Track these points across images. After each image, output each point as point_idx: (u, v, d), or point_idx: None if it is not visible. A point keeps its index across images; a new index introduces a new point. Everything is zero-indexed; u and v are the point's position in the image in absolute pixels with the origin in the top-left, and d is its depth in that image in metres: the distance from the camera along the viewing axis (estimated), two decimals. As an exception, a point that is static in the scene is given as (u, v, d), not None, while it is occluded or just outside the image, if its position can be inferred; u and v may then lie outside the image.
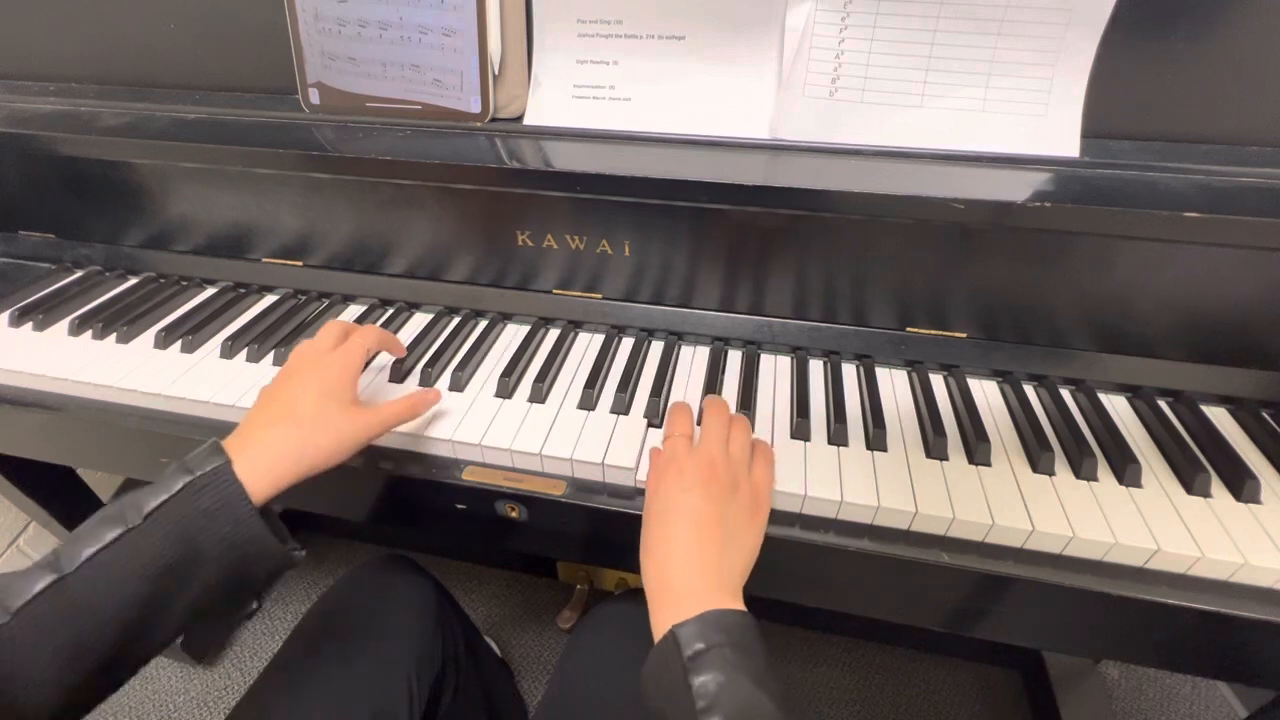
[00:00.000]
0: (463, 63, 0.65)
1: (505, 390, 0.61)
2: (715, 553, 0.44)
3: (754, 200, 0.56)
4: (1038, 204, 0.52)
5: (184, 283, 0.77)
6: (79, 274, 0.79)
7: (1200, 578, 0.47)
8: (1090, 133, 0.57)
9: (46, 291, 0.75)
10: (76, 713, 0.40)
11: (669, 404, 0.59)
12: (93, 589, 0.39)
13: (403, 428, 0.56)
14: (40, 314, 0.70)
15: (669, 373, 0.63)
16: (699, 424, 0.53)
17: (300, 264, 0.74)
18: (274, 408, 0.48)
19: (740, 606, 0.43)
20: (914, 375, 0.62)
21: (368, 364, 0.61)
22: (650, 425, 0.58)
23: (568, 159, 0.62)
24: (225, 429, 0.60)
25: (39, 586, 0.38)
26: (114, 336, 0.68)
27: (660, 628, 0.42)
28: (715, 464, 0.48)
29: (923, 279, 0.59)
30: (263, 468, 0.44)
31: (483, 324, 0.70)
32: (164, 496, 0.41)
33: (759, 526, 0.48)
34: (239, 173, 0.68)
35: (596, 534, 0.57)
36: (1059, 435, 0.56)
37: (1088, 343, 0.60)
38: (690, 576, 0.43)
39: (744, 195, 0.56)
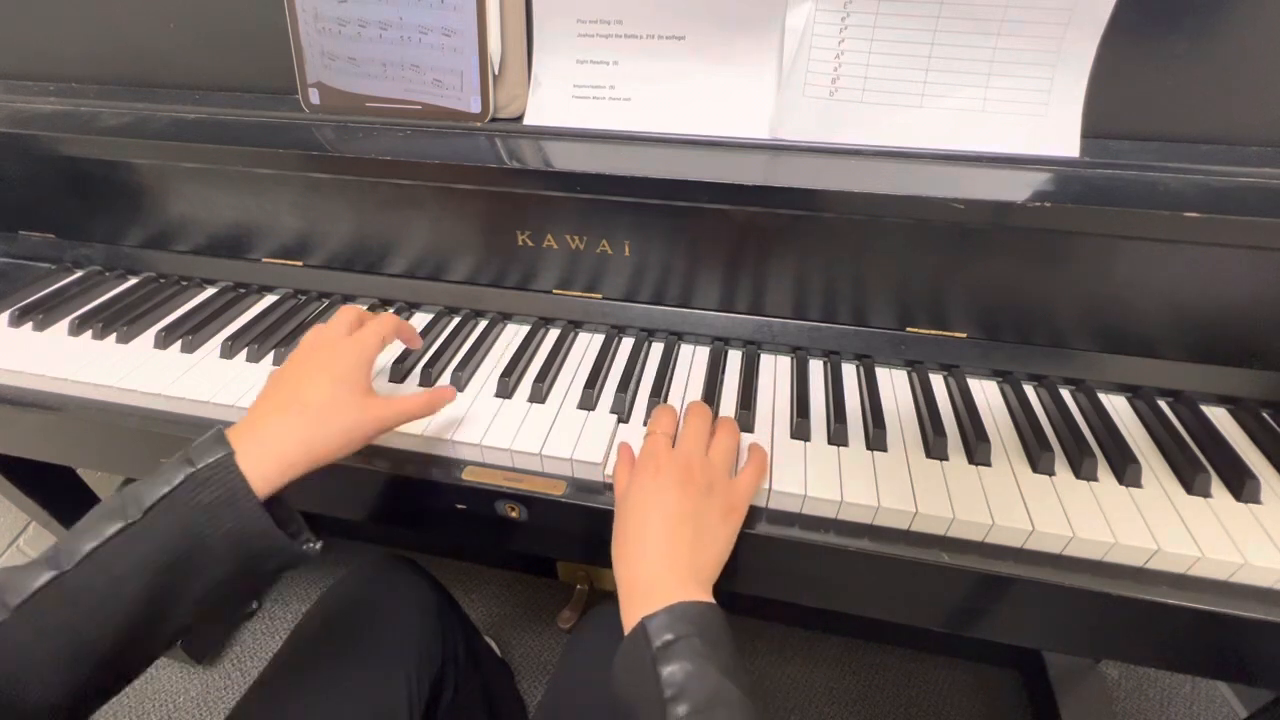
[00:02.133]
0: (463, 63, 0.65)
1: (505, 390, 0.61)
2: (686, 548, 0.45)
3: (754, 200, 0.56)
4: (1038, 204, 0.52)
5: (184, 283, 0.77)
6: (79, 274, 0.79)
7: (1200, 578, 0.47)
8: (1090, 133, 0.57)
9: (46, 291, 0.75)
10: (81, 711, 0.39)
11: (666, 401, 0.59)
12: (93, 585, 0.38)
13: (402, 428, 0.56)
14: (40, 314, 0.70)
15: (669, 373, 0.63)
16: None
17: (300, 264, 0.74)
18: (282, 394, 0.47)
19: (709, 599, 0.43)
20: (914, 375, 0.62)
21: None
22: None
23: (568, 159, 0.62)
24: (225, 429, 0.61)
25: (39, 583, 0.37)
26: (114, 336, 0.68)
27: (630, 620, 0.42)
28: (692, 464, 0.48)
29: (923, 279, 0.59)
30: (269, 458, 0.42)
31: (483, 324, 0.70)
32: (164, 490, 0.40)
33: (733, 527, 0.48)
34: (239, 173, 0.68)
35: (597, 534, 0.57)
36: (1059, 435, 0.56)
37: (1088, 343, 0.60)
38: (661, 570, 0.44)
39: (744, 195, 0.56)
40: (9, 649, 0.36)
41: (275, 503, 0.43)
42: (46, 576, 0.37)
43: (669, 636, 0.40)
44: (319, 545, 0.45)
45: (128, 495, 0.40)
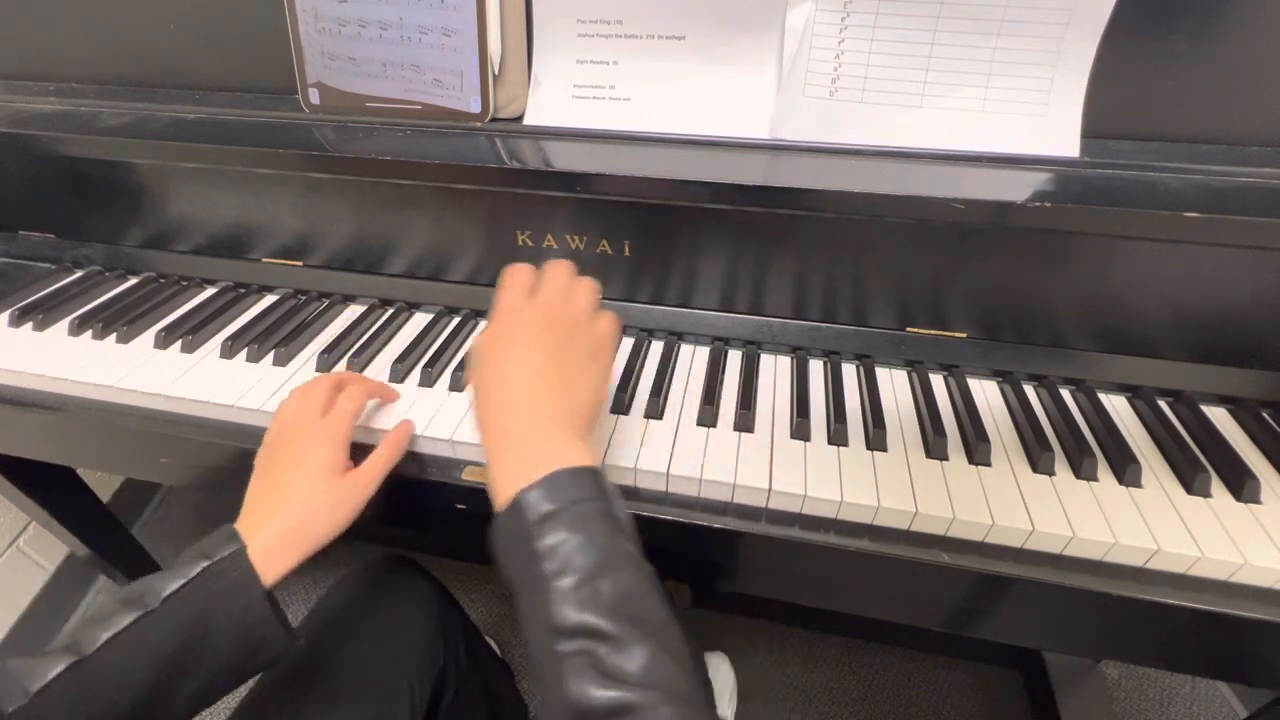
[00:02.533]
0: (463, 63, 0.65)
1: (505, 390, 0.61)
2: (558, 393, 0.42)
3: (754, 200, 0.57)
4: (1038, 204, 0.52)
5: (184, 283, 0.77)
6: (79, 274, 0.79)
7: (1200, 578, 0.47)
8: (1090, 133, 0.57)
9: (46, 291, 0.75)
10: None
11: (666, 400, 0.59)
12: (108, 671, 0.40)
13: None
14: (40, 314, 0.70)
15: (669, 372, 0.63)
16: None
17: (300, 264, 0.74)
18: (271, 493, 0.49)
19: (586, 453, 0.40)
20: (914, 375, 0.62)
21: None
22: (650, 422, 0.58)
23: (568, 159, 0.62)
24: (225, 429, 0.61)
25: (58, 669, 0.39)
26: (114, 336, 0.68)
27: (502, 484, 0.39)
28: (553, 304, 0.46)
29: (922, 279, 0.59)
30: (269, 553, 0.45)
31: (483, 324, 0.70)
32: (181, 581, 0.43)
33: (602, 370, 0.46)
34: (239, 173, 0.68)
35: (596, 534, 0.57)
36: (1059, 435, 0.56)
37: (1088, 343, 0.60)
38: (530, 424, 0.41)
39: (744, 195, 0.56)
40: None
41: (271, 597, 0.45)
42: (66, 663, 0.39)
43: (547, 508, 0.37)
44: (301, 641, 0.48)
45: (145, 586, 0.43)
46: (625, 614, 0.34)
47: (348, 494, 0.49)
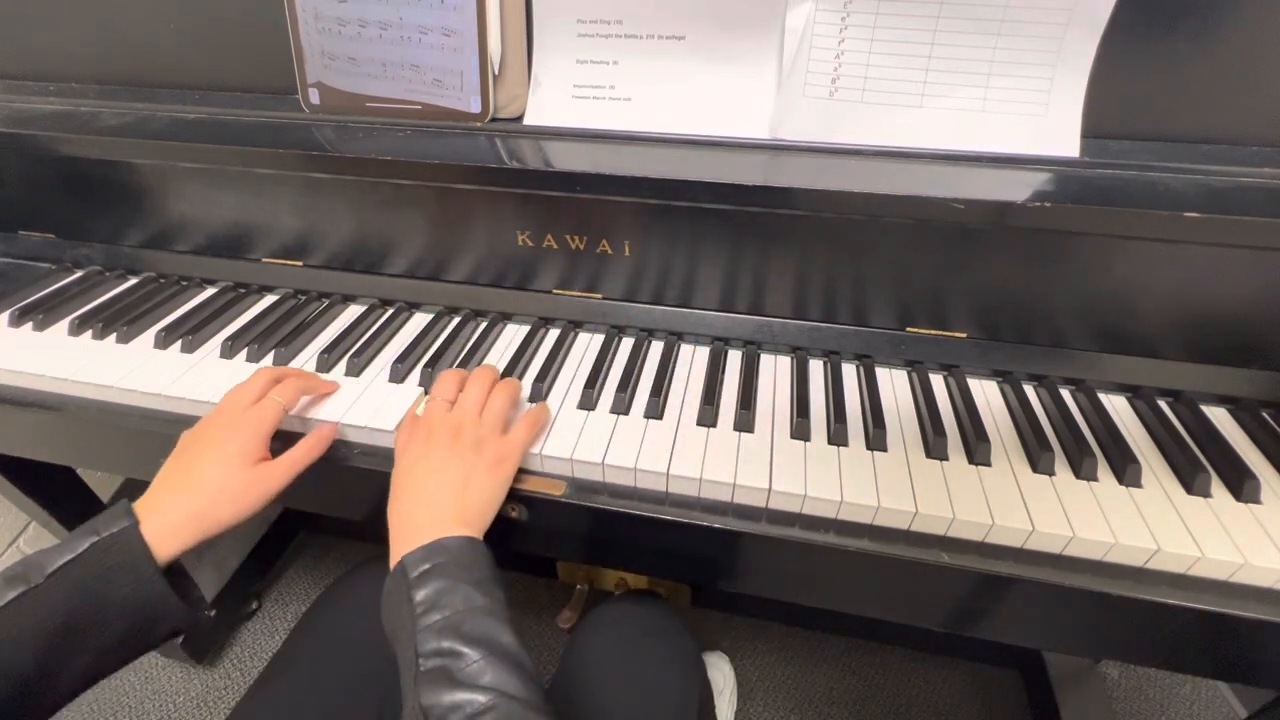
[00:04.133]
0: (463, 63, 0.65)
1: (505, 390, 0.61)
2: (453, 495, 0.48)
3: (754, 200, 0.57)
4: (1038, 204, 0.52)
5: (184, 283, 0.77)
6: (79, 274, 0.79)
7: (1200, 578, 0.47)
8: (1090, 133, 0.57)
9: (46, 291, 0.75)
10: None
11: (665, 400, 0.60)
12: None
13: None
14: (40, 314, 0.70)
15: (669, 372, 0.63)
16: None
17: (300, 264, 0.74)
18: (180, 472, 0.50)
19: (471, 534, 0.46)
20: (914, 375, 0.62)
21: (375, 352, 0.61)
22: (650, 422, 0.58)
23: (568, 159, 0.62)
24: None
25: None
26: (114, 336, 0.68)
27: (395, 558, 0.45)
28: (462, 425, 0.52)
29: (923, 279, 0.59)
30: (167, 531, 0.46)
31: (483, 324, 0.70)
32: (68, 556, 0.43)
33: (503, 477, 0.51)
34: (239, 173, 0.68)
35: (597, 534, 0.57)
36: (1059, 435, 0.56)
37: (1088, 343, 0.60)
38: (426, 516, 0.47)
39: (744, 195, 0.56)
40: None
41: (172, 570, 0.46)
42: None
43: (425, 566, 0.43)
44: (212, 612, 0.50)
45: (31, 561, 0.43)
46: (478, 640, 0.40)
47: (256, 482, 0.50)
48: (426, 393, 0.61)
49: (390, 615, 0.44)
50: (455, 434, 0.51)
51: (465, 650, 0.39)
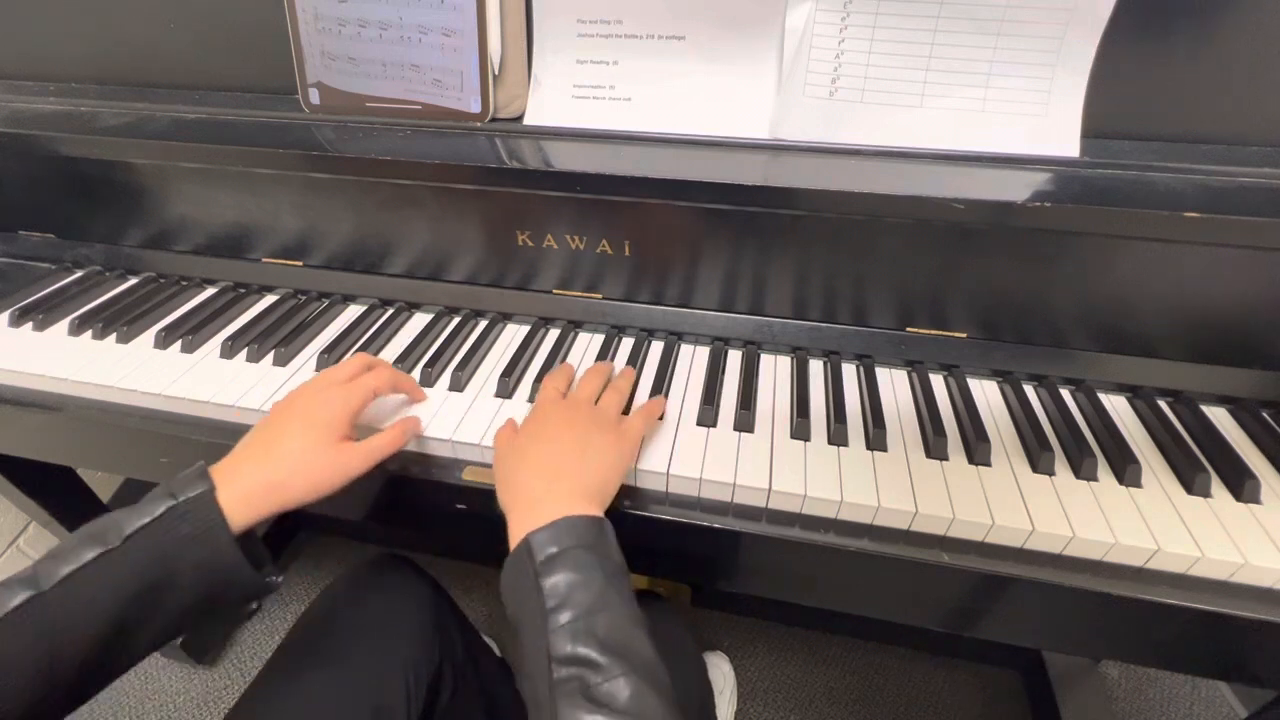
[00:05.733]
0: (463, 63, 0.65)
1: (505, 390, 0.61)
2: (574, 466, 0.46)
3: (754, 200, 0.56)
4: (1038, 204, 0.52)
5: (184, 283, 0.77)
6: (79, 274, 0.79)
7: (1200, 578, 0.47)
8: (1090, 133, 0.57)
9: (46, 291, 0.75)
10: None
11: (666, 400, 0.59)
12: (68, 606, 0.39)
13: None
14: (40, 314, 0.70)
15: (669, 372, 0.63)
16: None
17: (300, 264, 0.74)
18: (263, 439, 0.49)
19: (595, 510, 0.44)
20: (914, 375, 0.62)
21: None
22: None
23: (568, 159, 0.62)
24: (225, 429, 0.61)
25: (16, 601, 0.38)
26: (114, 336, 0.68)
27: (516, 532, 0.43)
28: (578, 406, 0.51)
29: (923, 279, 0.59)
30: (241, 499, 0.45)
31: (483, 324, 0.70)
32: (145, 520, 0.42)
33: (624, 450, 0.50)
34: (239, 173, 0.68)
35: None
36: (1059, 435, 0.56)
37: (1088, 343, 0.60)
38: (547, 487, 0.45)
39: (744, 195, 0.56)
40: None
41: (246, 537, 0.45)
42: (24, 596, 0.39)
43: (553, 550, 0.41)
44: (280, 579, 0.48)
45: (109, 522, 0.42)
46: (615, 649, 0.38)
47: (336, 461, 0.49)
48: (422, 385, 0.61)
49: (514, 598, 0.42)
50: (572, 409, 0.50)
51: (603, 661, 0.37)
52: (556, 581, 0.40)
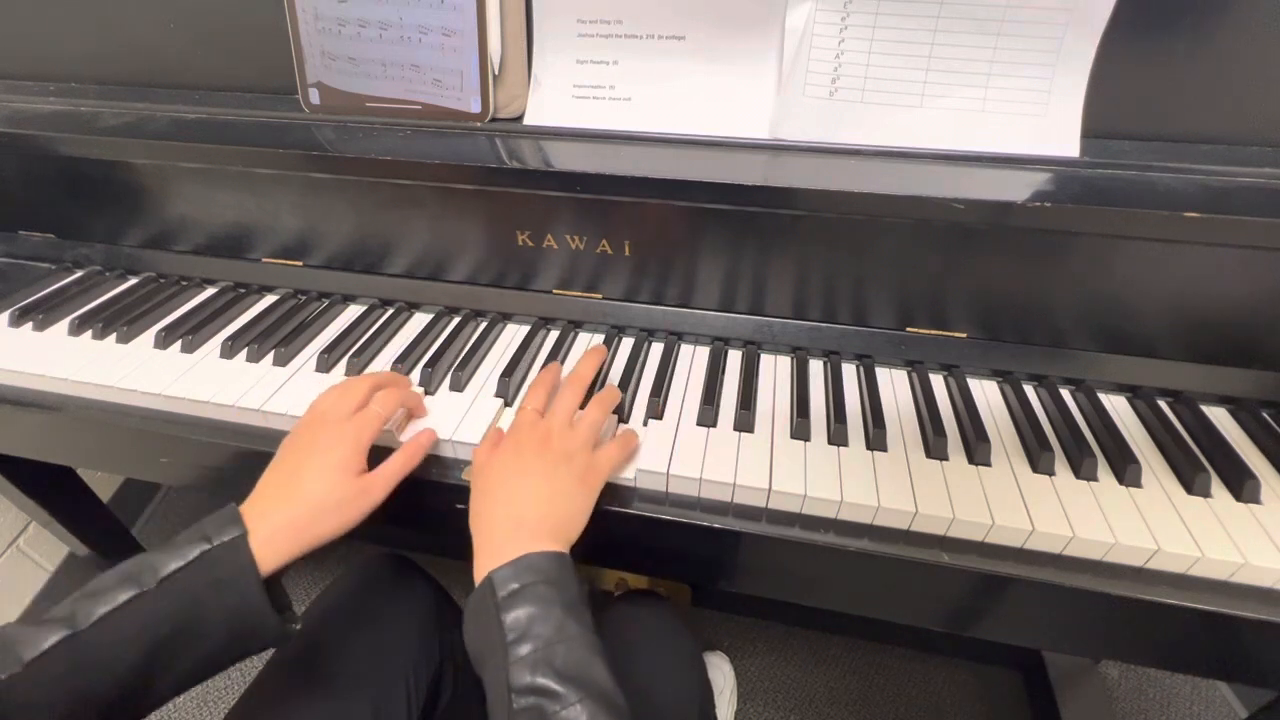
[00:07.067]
0: (463, 63, 0.65)
1: (505, 391, 0.61)
2: (541, 507, 0.47)
3: (754, 200, 0.56)
4: (1038, 204, 0.52)
5: (184, 283, 0.77)
6: (79, 274, 0.79)
7: (1200, 578, 0.47)
8: (1090, 133, 0.57)
9: (46, 291, 0.75)
10: None
11: (665, 400, 0.59)
12: (101, 647, 0.40)
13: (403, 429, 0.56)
14: (40, 314, 0.70)
15: (669, 373, 0.63)
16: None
17: (300, 264, 0.74)
18: (284, 480, 0.49)
19: (558, 549, 0.45)
20: (914, 375, 0.62)
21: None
22: (651, 422, 0.58)
23: (568, 159, 0.62)
24: (225, 429, 0.61)
25: (52, 640, 0.39)
26: (114, 336, 0.68)
27: (480, 570, 0.44)
28: (551, 433, 0.51)
29: (923, 279, 0.59)
30: (268, 542, 0.45)
31: (483, 324, 0.70)
32: (180, 564, 0.42)
33: (589, 491, 0.50)
34: (239, 173, 0.68)
35: (596, 534, 0.57)
36: (1059, 435, 0.56)
37: (1088, 343, 0.60)
38: (511, 528, 0.46)
39: (744, 195, 0.56)
40: (16, 701, 0.37)
41: (272, 581, 0.45)
42: (60, 635, 0.39)
43: (514, 586, 0.42)
44: (298, 626, 0.48)
45: (144, 563, 0.43)
46: (573, 678, 0.39)
47: (357, 496, 0.49)
48: (428, 393, 0.61)
49: (475, 634, 0.43)
50: (544, 443, 0.50)
51: (560, 690, 0.38)
52: (518, 615, 0.41)
